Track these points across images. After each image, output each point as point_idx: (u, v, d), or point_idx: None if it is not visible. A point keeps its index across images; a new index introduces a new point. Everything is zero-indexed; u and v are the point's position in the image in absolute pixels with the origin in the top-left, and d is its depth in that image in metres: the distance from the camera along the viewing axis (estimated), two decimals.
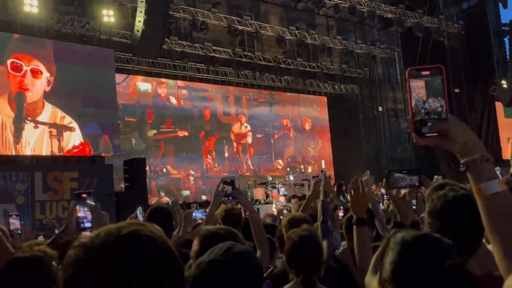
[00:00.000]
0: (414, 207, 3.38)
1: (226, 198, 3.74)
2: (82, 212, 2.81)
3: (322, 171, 4.58)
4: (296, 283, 2.85)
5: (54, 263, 2.07)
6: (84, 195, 2.85)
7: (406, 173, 2.43)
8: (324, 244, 3.61)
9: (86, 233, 2.66)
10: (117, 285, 0.93)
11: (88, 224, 2.75)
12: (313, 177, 14.31)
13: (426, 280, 1.49)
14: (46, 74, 14.50)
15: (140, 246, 0.98)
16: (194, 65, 19.27)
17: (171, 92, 19.77)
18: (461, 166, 1.36)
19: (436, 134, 1.34)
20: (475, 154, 1.33)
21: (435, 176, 5.17)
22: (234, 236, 2.37)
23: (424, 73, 1.35)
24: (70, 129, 14.86)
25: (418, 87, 1.34)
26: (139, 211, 5.14)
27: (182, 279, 1.03)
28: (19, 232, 4.56)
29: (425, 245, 1.57)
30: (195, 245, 2.34)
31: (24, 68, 14.12)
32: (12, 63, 13.93)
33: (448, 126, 1.33)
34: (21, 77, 14.09)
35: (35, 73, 14.35)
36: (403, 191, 2.54)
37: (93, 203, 2.78)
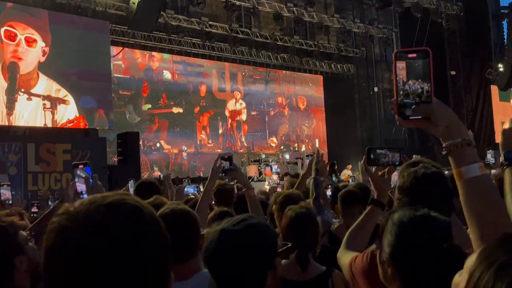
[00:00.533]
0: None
1: (223, 174, 3.69)
2: (79, 183, 2.80)
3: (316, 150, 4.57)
4: (290, 259, 2.86)
5: (23, 232, 2.07)
6: (81, 166, 2.84)
7: (388, 149, 2.42)
8: (318, 220, 3.62)
9: None
10: (100, 253, 0.92)
11: (86, 196, 2.72)
12: (307, 155, 14.33)
13: (424, 263, 1.52)
14: (41, 44, 14.23)
15: (125, 214, 0.97)
16: (189, 40, 19.09)
17: (167, 66, 19.62)
18: (443, 149, 1.35)
19: (420, 117, 1.32)
20: (457, 138, 1.33)
21: (414, 155, 5.18)
22: (185, 221, 2.35)
23: (410, 55, 1.33)
24: (65, 102, 14.64)
25: (399, 68, 1.33)
26: (130, 185, 5.15)
27: (167, 250, 1.02)
28: (10, 202, 4.55)
29: (422, 227, 1.58)
30: None
31: (19, 36, 13.86)
32: (5, 31, 13.66)
33: (431, 109, 1.32)
34: (15, 46, 13.84)
35: (30, 42, 14.07)
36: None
37: (83, 175, 2.77)
